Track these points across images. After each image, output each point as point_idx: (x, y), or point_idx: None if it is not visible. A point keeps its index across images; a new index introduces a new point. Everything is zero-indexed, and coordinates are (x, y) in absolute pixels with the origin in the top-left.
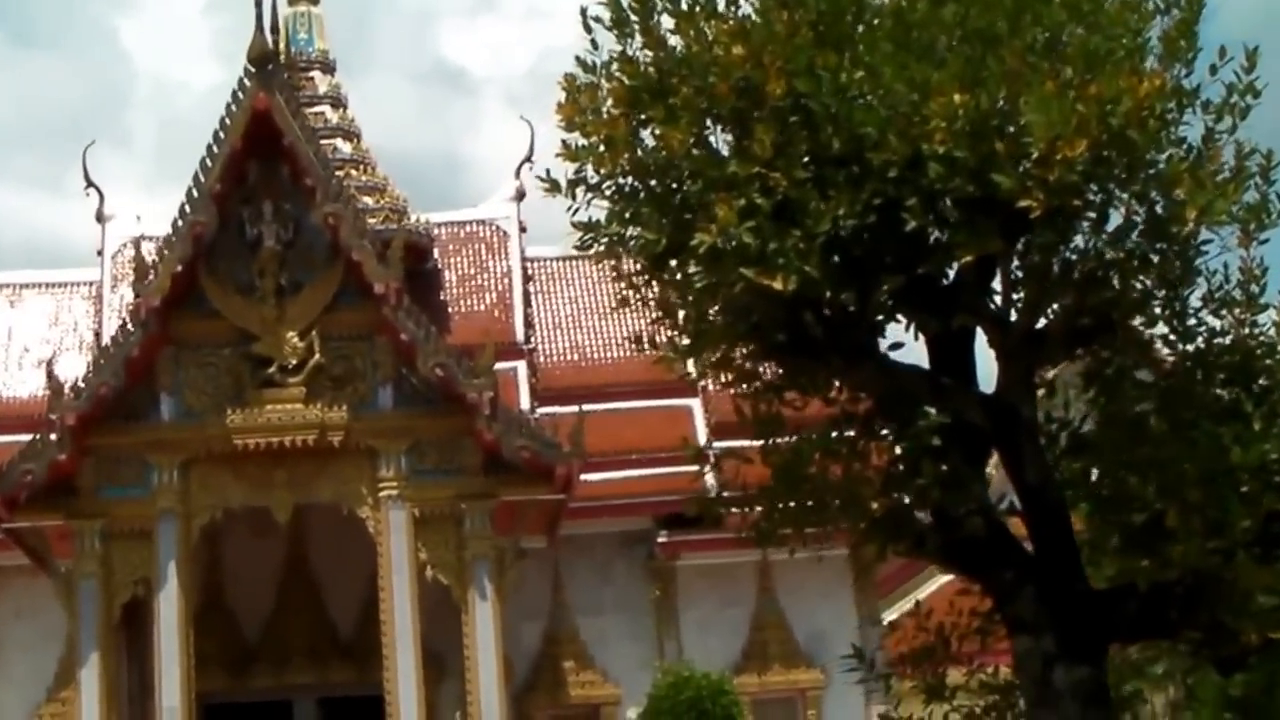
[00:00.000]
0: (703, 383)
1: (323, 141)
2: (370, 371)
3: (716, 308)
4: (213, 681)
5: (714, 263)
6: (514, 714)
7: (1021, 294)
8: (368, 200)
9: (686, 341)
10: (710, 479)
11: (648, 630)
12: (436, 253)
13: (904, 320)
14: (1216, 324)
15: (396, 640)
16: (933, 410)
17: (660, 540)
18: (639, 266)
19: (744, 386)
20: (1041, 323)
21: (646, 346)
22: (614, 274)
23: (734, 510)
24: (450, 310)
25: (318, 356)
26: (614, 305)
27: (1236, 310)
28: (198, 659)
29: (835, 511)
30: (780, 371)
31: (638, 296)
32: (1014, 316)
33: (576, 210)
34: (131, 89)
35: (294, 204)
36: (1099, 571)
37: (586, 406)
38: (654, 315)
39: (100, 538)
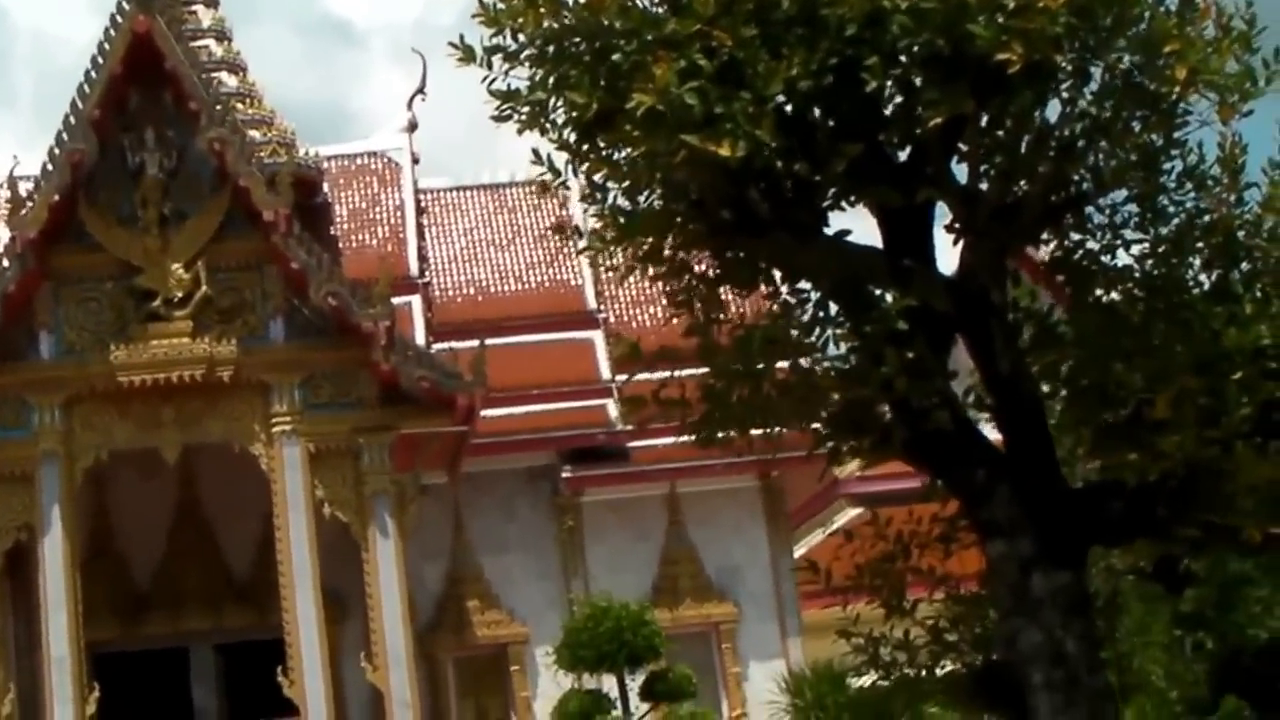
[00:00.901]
0: (603, 314)
1: (208, 75)
2: (260, 303)
3: (651, 186)
4: (104, 630)
5: (652, 128)
6: (418, 656)
7: (993, 164)
8: (255, 134)
9: (613, 233)
10: (612, 410)
11: (554, 568)
12: (326, 186)
13: (856, 198)
14: (1193, 204)
15: (295, 581)
16: (894, 294)
17: (565, 475)
18: (564, 142)
19: (677, 281)
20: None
21: (571, 237)
22: (533, 158)
23: (649, 443)
24: (342, 245)
25: (204, 289)
26: (532, 193)
27: (1217, 189)
28: (87, 608)
29: (787, 408)
30: (718, 263)
31: (559, 181)
32: (984, 189)
33: (494, 81)
34: (12, 46)
35: (177, 130)
36: (1073, 472)
37: (486, 341)
38: (582, 196)
39: None
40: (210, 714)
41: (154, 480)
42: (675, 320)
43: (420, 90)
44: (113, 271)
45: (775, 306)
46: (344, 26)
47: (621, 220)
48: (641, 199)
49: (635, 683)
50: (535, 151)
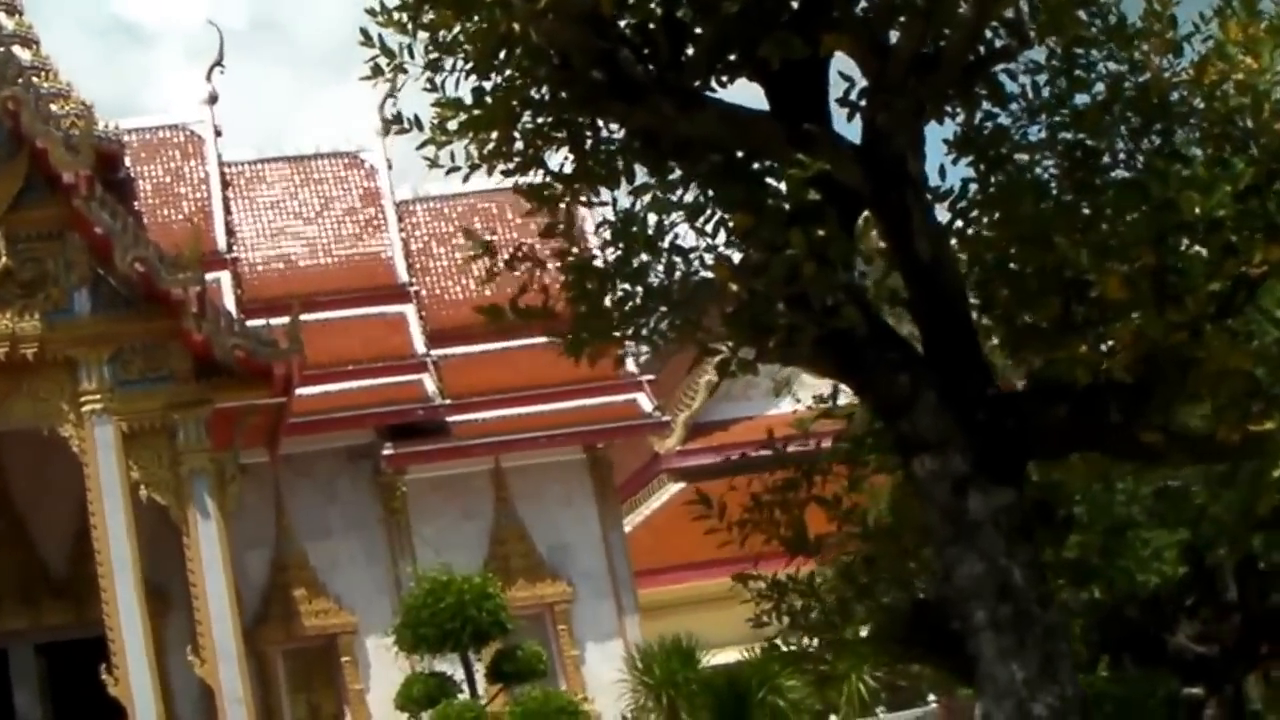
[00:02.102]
0: (416, 287)
1: None
2: (64, 274)
3: (505, 58)
4: None
5: None
6: (247, 650)
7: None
8: (52, 107)
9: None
10: (430, 385)
11: (380, 551)
12: (128, 161)
13: (746, 52)
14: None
15: (114, 572)
16: (795, 164)
17: (386, 453)
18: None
19: (530, 177)
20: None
21: (410, 129)
22: (362, 39)
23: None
24: (146, 221)
25: (4, 260)
26: (364, 77)
27: (1145, 47)
28: None
29: (671, 309)
30: (576, 155)
31: (392, 63)
32: (897, 39)
33: None
34: None
35: None
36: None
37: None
38: (420, 79)
39: None
40: (34, 717)
41: None
42: (488, 290)
43: (219, 62)
44: None
45: (653, 194)
46: (134, 29)
47: (467, 106)
48: (489, 82)
49: (480, 663)
50: (364, 32)
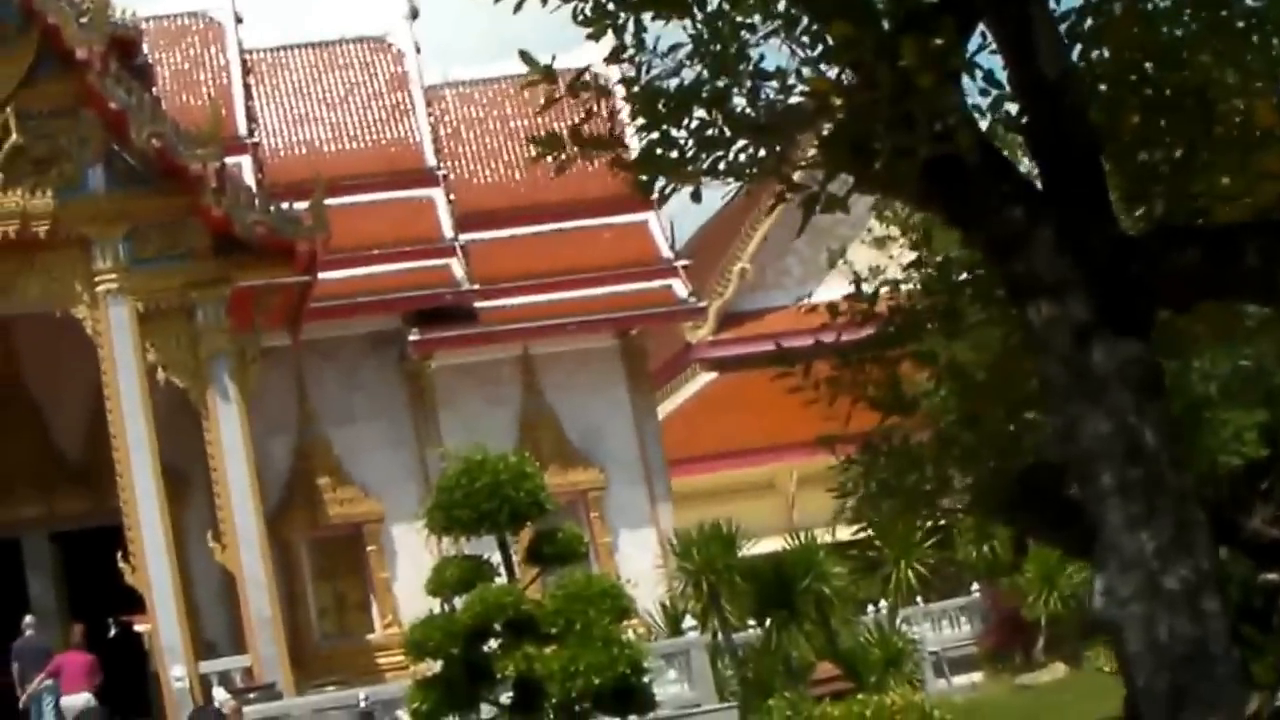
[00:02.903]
0: (444, 171)
1: None
2: (77, 150)
3: None
4: None
5: None
6: (269, 539)
7: None
8: None
9: None
10: (458, 270)
11: (406, 438)
12: (146, 48)
13: None
14: None
15: (131, 457)
16: None
17: (412, 339)
18: None
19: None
20: None
21: None
22: None
23: None
24: (165, 107)
25: (15, 137)
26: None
27: None
28: None
29: (758, 132)
30: None
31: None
32: None
33: None
34: None
35: None
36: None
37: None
38: None
39: None
40: (49, 607)
41: None
42: (518, 177)
43: None
44: None
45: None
46: None
47: None
48: None
49: (516, 546)
50: None
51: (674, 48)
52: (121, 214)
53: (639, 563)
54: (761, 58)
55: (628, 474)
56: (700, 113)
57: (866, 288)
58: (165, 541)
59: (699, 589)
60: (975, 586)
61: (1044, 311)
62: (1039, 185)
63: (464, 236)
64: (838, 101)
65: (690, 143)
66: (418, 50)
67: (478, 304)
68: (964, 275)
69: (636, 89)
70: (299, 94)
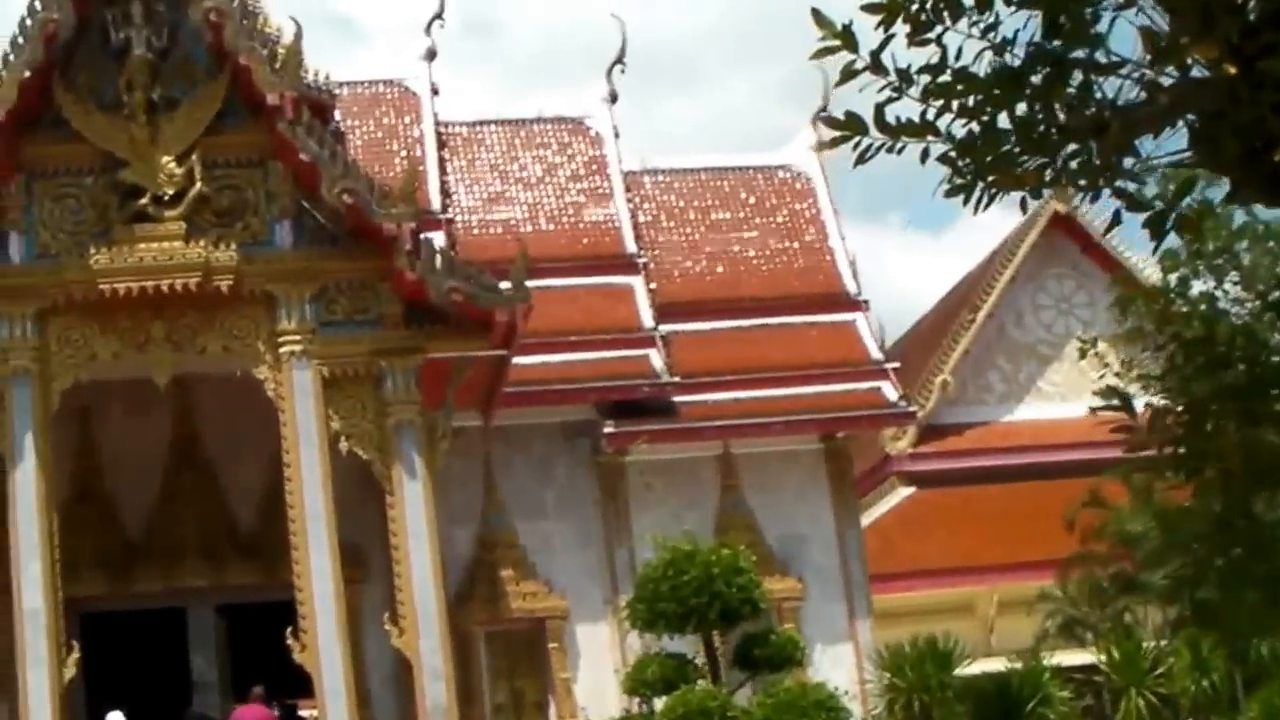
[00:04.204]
0: (644, 259)
1: None
2: (264, 204)
3: None
4: (90, 586)
5: None
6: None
7: None
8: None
9: None
10: (657, 361)
11: (595, 535)
12: (339, 115)
13: None
14: None
15: (307, 528)
16: None
17: (608, 430)
18: None
19: None
20: None
21: None
22: None
23: None
24: None
25: (199, 185)
26: None
27: None
28: (72, 560)
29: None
30: None
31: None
32: None
33: None
34: None
35: (167, 4)
36: None
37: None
38: None
39: None
40: (210, 682)
41: (147, 415)
42: (720, 269)
43: (439, 15)
44: (94, 164)
45: None
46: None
47: None
48: None
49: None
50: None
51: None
52: (309, 273)
53: (835, 678)
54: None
55: (827, 586)
56: (1021, 106)
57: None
58: (338, 620)
59: (909, 708)
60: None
61: None
62: None
63: (663, 327)
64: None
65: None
66: (616, 135)
67: (676, 398)
68: None
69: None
70: (494, 171)
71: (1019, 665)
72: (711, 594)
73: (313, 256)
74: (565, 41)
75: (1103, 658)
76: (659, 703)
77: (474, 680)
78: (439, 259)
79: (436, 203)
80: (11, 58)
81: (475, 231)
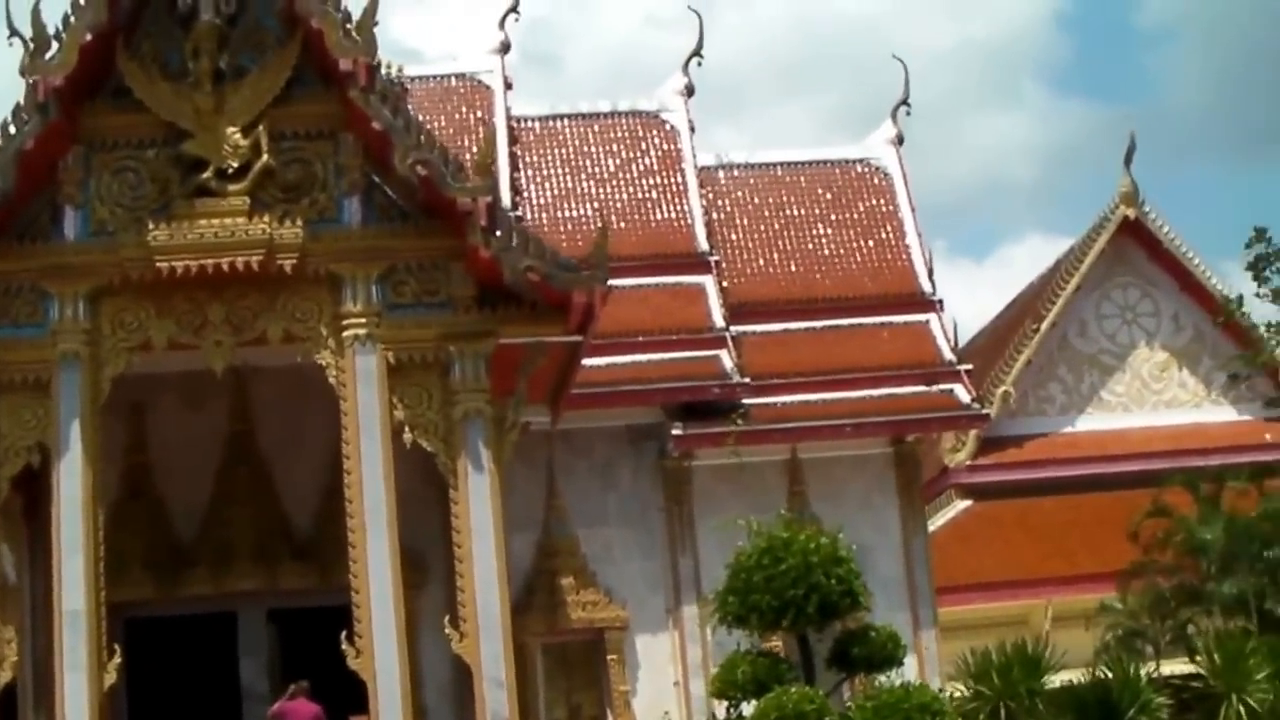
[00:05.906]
0: (716, 258)
1: None
2: (333, 179)
3: None
4: (137, 589)
5: None
6: None
7: None
8: None
9: None
10: (728, 362)
11: (658, 543)
12: (411, 108)
13: None
14: None
15: (366, 525)
16: None
17: (675, 433)
18: None
19: None
20: None
21: None
22: None
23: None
24: None
25: (265, 158)
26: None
27: None
28: (118, 561)
29: None
30: None
31: None
32: None
33: None
34: None
35: None
36: None
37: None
38: None
39: None
40: (260, 690)
41: (200, 410)
42: (793, 267)
43: (514, 8)
44: (156, 136)
45: None
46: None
47: None
48: None
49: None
50: None
51: None
52: (377, 251)
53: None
54: None
55: (892, 596)
56: None
57: None
58: (396, 624)
59: (994, 717)
60: None
61: None
62: None
63: (734, 328)
64: None
65: None
66: (692, 129)
67: (745, 400)
68: None
69: None
70: (566, 166)
71: (1109, 675)
72: (810, 585)
73: (382, 234)
74: (623, 73)
75: (1199, 661)
76: (748, 707)
77: (529, 691)
78: (515, 235)
79: (507, 199)
80: (72, 18)
81: (546, 229)
